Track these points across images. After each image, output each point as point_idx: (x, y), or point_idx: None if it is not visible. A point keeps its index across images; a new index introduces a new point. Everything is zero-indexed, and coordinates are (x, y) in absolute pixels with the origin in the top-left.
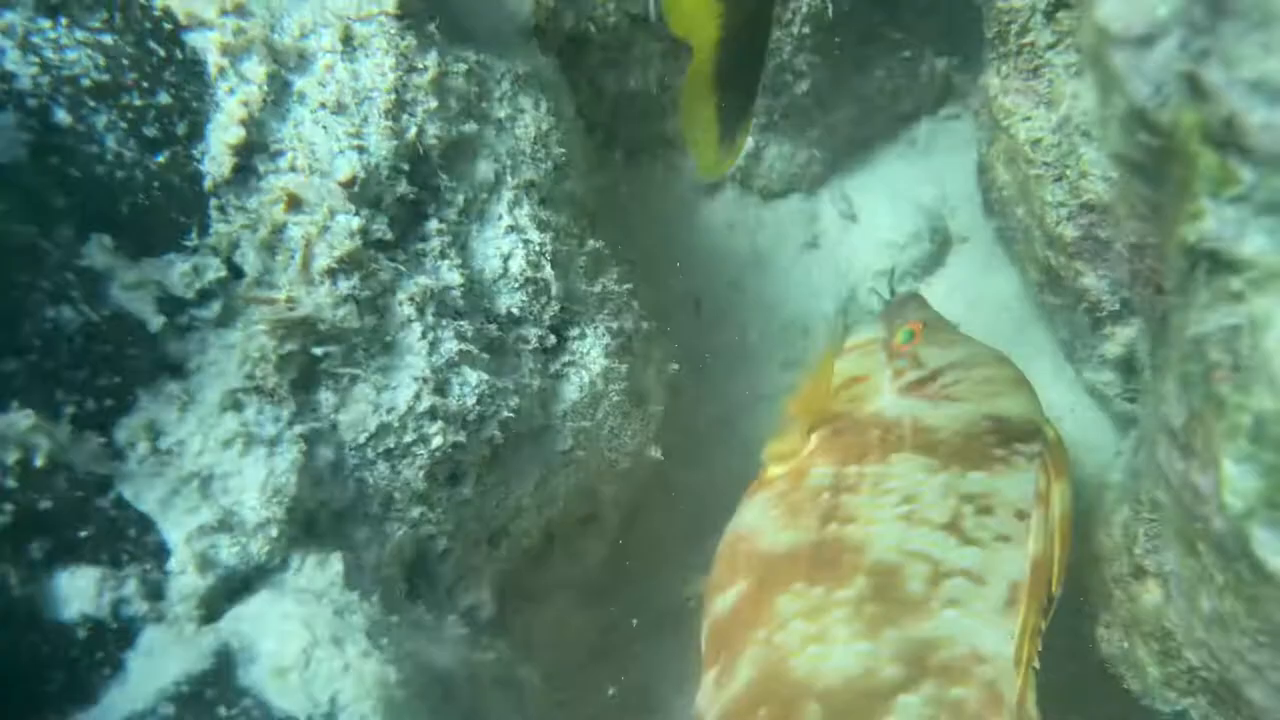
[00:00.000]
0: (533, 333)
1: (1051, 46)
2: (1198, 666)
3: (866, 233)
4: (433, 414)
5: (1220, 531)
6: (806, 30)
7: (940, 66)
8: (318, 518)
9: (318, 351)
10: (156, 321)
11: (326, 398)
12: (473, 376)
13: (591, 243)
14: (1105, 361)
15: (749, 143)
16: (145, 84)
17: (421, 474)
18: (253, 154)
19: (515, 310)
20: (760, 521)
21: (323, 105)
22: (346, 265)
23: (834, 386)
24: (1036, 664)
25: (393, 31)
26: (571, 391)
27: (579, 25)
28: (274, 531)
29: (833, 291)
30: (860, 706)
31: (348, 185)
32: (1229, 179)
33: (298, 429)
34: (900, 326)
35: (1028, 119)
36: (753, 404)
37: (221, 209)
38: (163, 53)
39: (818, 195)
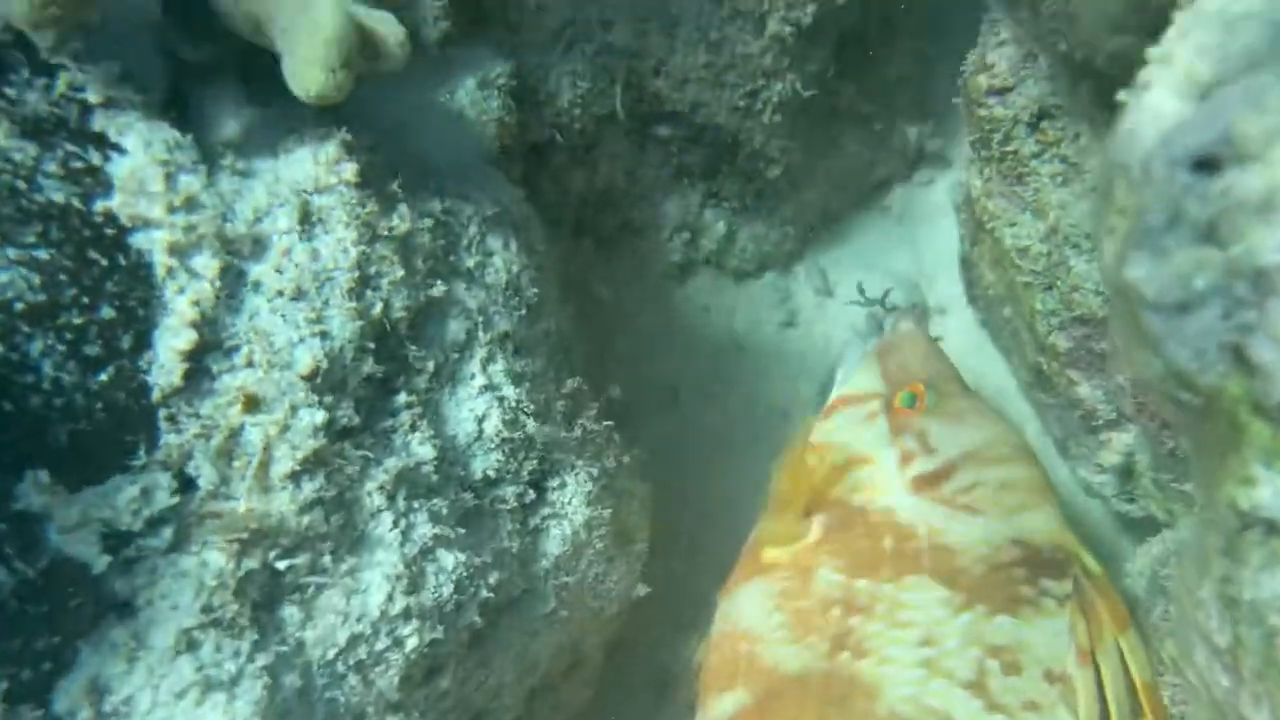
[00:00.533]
0: (510, 492)
1: (1036, 156)
2: None
3: (844, 308)
4: (407, 614)
5: None
6: (778, 118)
7: (912, 135)
8: None
9: (281, 565)
10: (101, 562)
11: (291, 614)
12: (449, 560)
13: (570, 382)
14: (1103, 468)
15: (722, 226)
16: (86, 299)
17: (396, 680)
18: (205, 354)
19: (491, 473)
20: (763, 623)
21: (280, 293)
22: (310, 465)
23: (833, 462)
24: None
25: (353, 201)
26: (553, 546)
27: (542, 135)
28: None
29: (812, 371)
30: None
31: (310, 377)
32: None
33: (260, 661)
34: (901, 382)
35: (1013, 224)
36: (736, 496)
37: (172, 419)
38: (105, 261)
39: (792, 272)
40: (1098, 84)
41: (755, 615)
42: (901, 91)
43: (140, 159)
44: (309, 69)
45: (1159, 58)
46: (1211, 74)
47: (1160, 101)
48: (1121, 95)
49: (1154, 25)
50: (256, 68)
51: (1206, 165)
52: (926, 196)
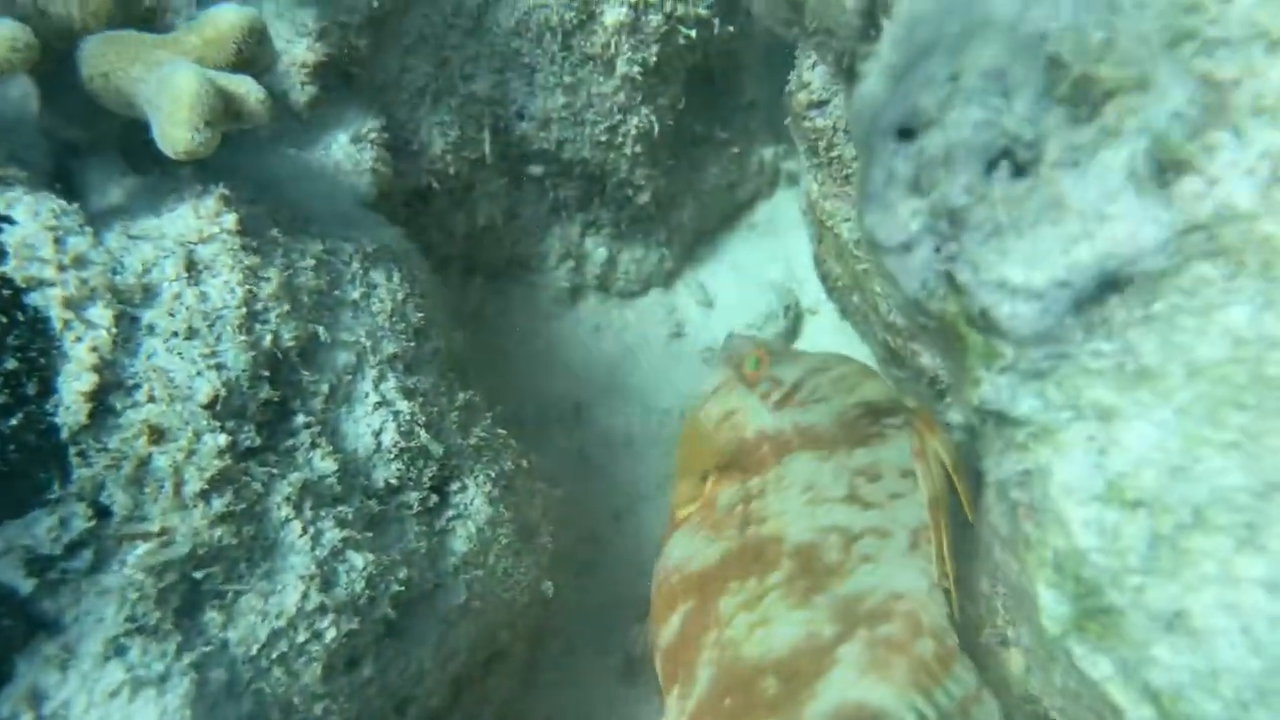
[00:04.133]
0: (413, 497)
1: (856, 158)
2: None
3: (724, 316)
4: (323, 609)
5: (1049, 641)
6: (639, 149)
7: (768, 156)
8: None
9: (199, 575)
10: (27, 585)
11: (213, 618)
12: (359, 560)
13: (462, 395)
14: (951, 427)
15: (603, 252)
16: None
17: (319, 670)
18: (108, 393)
19: (393, 480)
20: (687, 550)
21: (174, 333)
22: (218, 483)
23: (714, 424)
24: (948, 584)
25: (236, 247)
26: (460, 544)
27: (420, 182)
28: None
29: (701, 374)
30: (808, 666)
31: (210, 405)
32: (994, 354)
33: (186, 659)
34: (744, 358)
35: (848, 220)
36: (642, 494)
37: (82, 454)
38: (4, 319)
39: (674, 288)
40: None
41: (680, 549)
42: (752, 117)
43: (30, 227)
44: (175, 129)
45: (872, 54)
46: (901, 61)
47: (871, 86)
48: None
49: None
50: (134, 142)
51: (905, 133)
52: (787, 211)
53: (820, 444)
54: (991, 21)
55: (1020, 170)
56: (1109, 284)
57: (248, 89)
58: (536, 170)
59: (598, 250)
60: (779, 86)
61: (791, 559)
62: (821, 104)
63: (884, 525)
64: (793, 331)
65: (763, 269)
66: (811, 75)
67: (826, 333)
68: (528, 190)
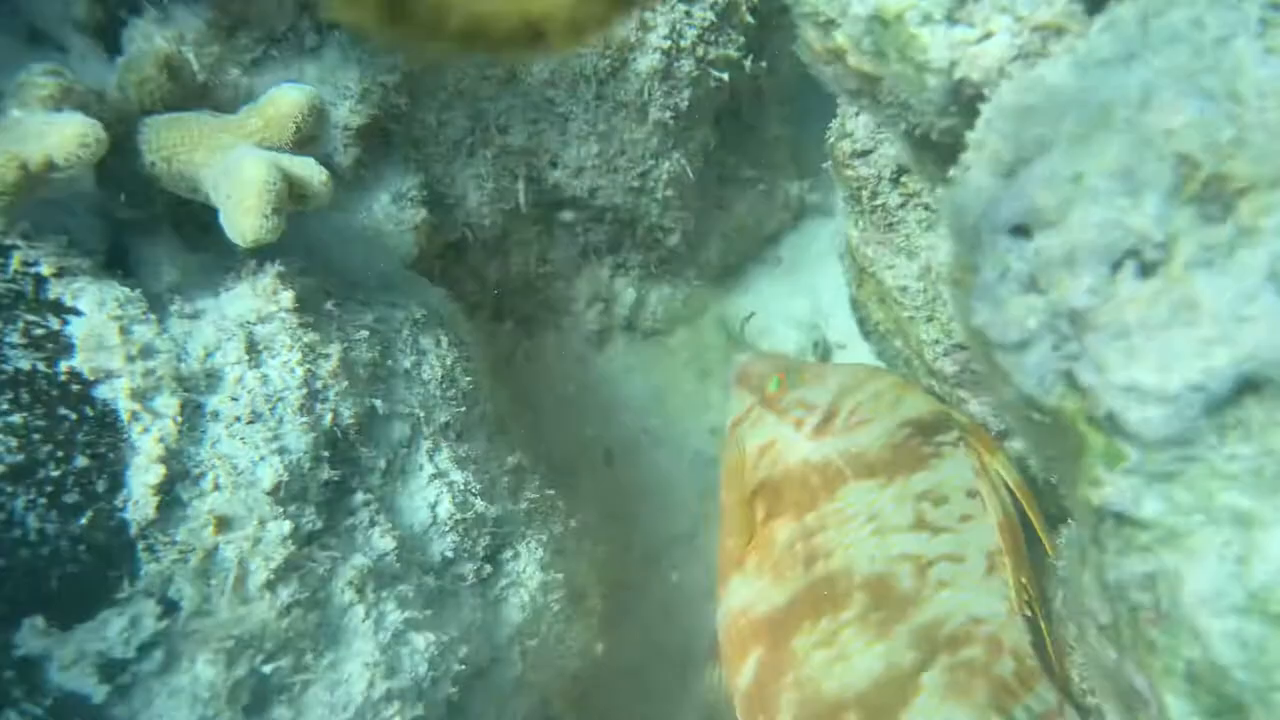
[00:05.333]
0: (468, 569)
1: (901, 206)
2: None
3: None
4: (388, 697)
5: None
6: (670, 193)
7: (794, 191)
8: None
9: (267, 669)
10: (100, 692)
11: (281, 714)
12: (420, 641)
13: (510, 459)
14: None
15: (631, 293)
16: (60, 453)
17: None
18: (174, 484)
19: (449, 553)
20: (750, 594)
21: (237, 418)
22: (283, 572)
23: (750, 462)
24: (1029, 611)
25: (294, 325)
26: (514, 614)
27: (456, 235)
28: None
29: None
30: (891, 697)
31: (274, 492)
32: (1117, 455)
33: None
34: (763, 379)
35: (891, 267)
36: (674, 537)
37: (150, 548)
38: (74, 415)
39: (701, 326)
40: (938, 153)
41: (743, 593)
42: (778, 151)
43: (96, 318)
44: (245, 218)
45: (974, 143)
46: (1012, 156)
47: (979, 179)
48: (952, 172)
49: (972, 107)
50: (186, 219)
51: (1020, 230)
52: (813, 244)
53: (874, 472)
54: (1112, 118)
55: (1147, 271)
56: (1246, 386)
57: (311, 173)
58: (568, 216)
59: (626, 291)
60: (803, 120)
61: (863, 592)
62: (865, 154)
63: (957, 550)
64: None
65: (789, 304)
66: (854, 124)
67: None
68: (559, 236)
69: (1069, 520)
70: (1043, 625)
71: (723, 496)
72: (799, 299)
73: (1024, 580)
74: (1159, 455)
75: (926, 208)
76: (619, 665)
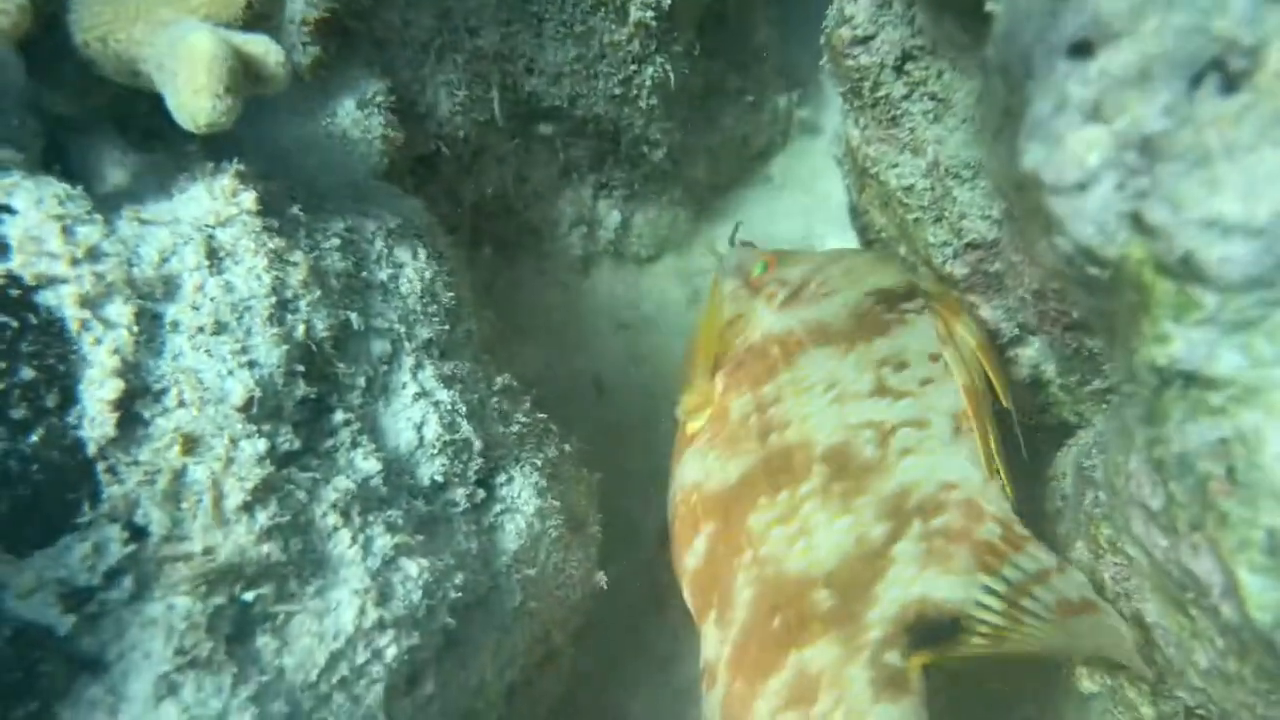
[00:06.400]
0: (460, 494)
1: (905, 97)
2: (1194, 706)
3: None
4: (381, 624)
5: (1234, 624)
6: (655, 101)
7: (782, 104)
8: None
9: (249, 597)
10: (65, 623)
11: (266, 643)
12: (413, 568)
13: (499, 379)
14: (1014, 383)
15: (616, 216)
16: (2, 363)
17: (382, 691)
18: (134, 401)
19: (439, 478)
20: (702, 469)
21: (200, 329)
22: (261, 494)
23: (720, 326)
24: (1001, 469)
25: (258, 229)
26: (510, 541)
27: (428, 147)
28: None
29: None
30: (863, 572)
31: (245, 408)
32: (1191, 305)
33: (243, 694)
34: (752, 265)
35: (895, 166)
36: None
37: (111, 470)
38: (15, 324)
39: (689, 250)
40: (959, 13)
41: (694, 469)
42: (765, 62)
43: (33, 216)
44: (195, 98)
45: None
46: None
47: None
48: (992, 5)
49: None
50: (130, 118)
51: (1081, 49)
52: (804, 162)
53: (834, 339)
54: None
55: (1233, 83)
56: None
57: (266, 49)
58: (547, 129)
59: (611, 214)
60: (790, 28)
61: (823, 463)
62: (866, 39)
63: (920, 415)
64: None
65: (781, 224)
66: (854, 9)
67: None
68: (537, 152)
69: (1087, 420)
70: (1008, 490)
71: (687, 360)
72: (792, 219)
73: (992, 447)
74: (1240, 299)
75: (933, 97)
76: (616, 599)
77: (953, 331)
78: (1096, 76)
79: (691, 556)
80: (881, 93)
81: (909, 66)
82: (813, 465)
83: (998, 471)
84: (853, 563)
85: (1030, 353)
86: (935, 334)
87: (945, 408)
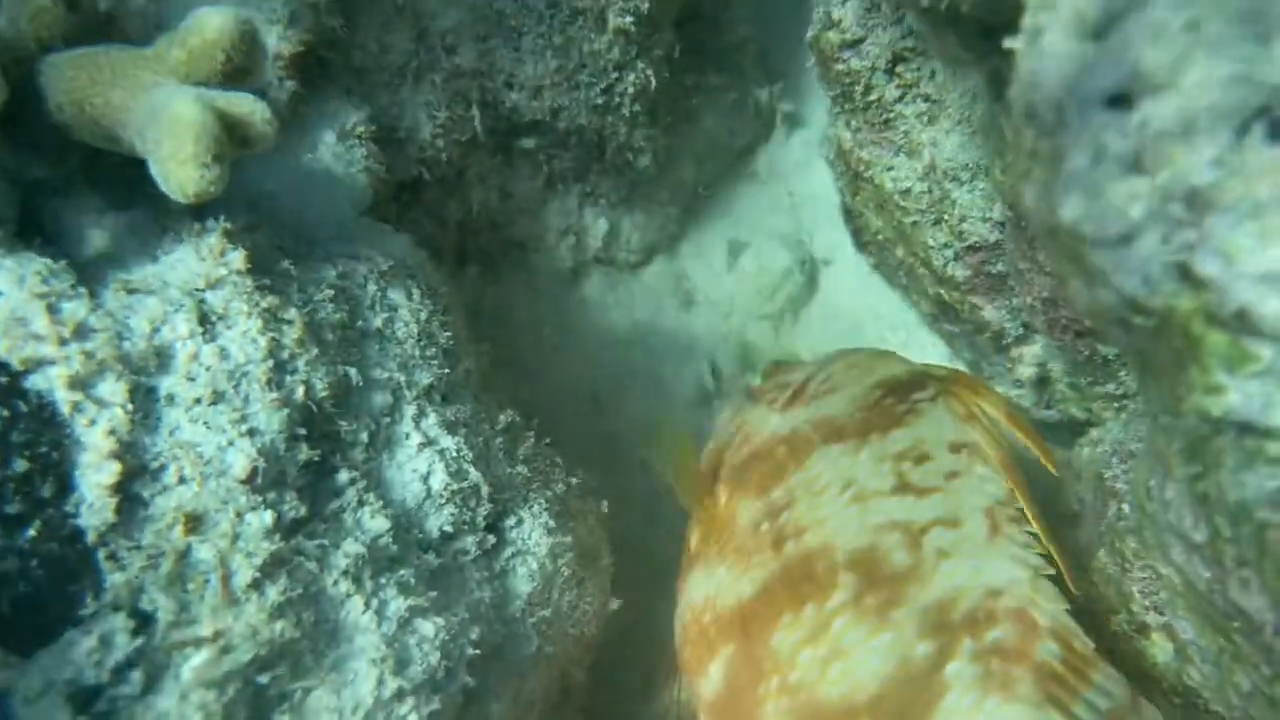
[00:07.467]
0: (470, 542)
1: (899, 100)
2: None
3: (738, 278)
4: (400, 694)
5: None
6: (638, 108)
7: (764, 98)
8: None
9: (263, 679)
10: None
11: None
12: (428, 628)
13: (502, 418)
14: (1020, 381)
15: (604, 224)
16: None
17: None
18: (132, 481)
19: (448, 528)
20: (713, 585)
21: (197, 400)
22: (270, 569)
23: (720, 447)
24: (1055, 555)
25: (249, 289)
26: (523, 585)
27: (410, 173)
28: None
29: (718, 344)
30: (912, 698)
31: (248, 479)
32: (1246, 358)
33: None
34: (749, 381)
35: (890, 169)
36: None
37: (113, 556)
38: (5, 412)
39: (679, 253)
40: (962, 29)
41: (703, 586)
42: (744, 56)
43: (16, 296)
44: (183, 169)
45: (1042, 4)
46: (1100, 13)
47: (1057, 45)
48: (1012, 43)
49: None
50: (103, 175)
51: (1119, 101)
52: (788, 155)
53: (845, 435)
54: None
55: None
56: None
57: (251, 109)
58: (529, 143)
59: (598, 221)
60: (768, 20)
61: (850, 571)
62: (856, 43)
63: (951, 512)
64: (810, 285)
65: (769, 221)
66: (842, 12)
67: (847, 280)
68: (520, 166)
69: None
70: (1067, 581)
71: (676, 484)
72: (780, 215)
73: (1041, 531)
74: None
75: (927, 99)
76: (625, 630)
77: (975, 410)
78: (1137, 129)
79: (708, 684)
80: (873, 96)
81: (900, 69)
82: (838, 574)
83: (1051, 561)
84: (898, 687)
85: (1036, 350)
86: (953, 422)
87: (975, 503)
